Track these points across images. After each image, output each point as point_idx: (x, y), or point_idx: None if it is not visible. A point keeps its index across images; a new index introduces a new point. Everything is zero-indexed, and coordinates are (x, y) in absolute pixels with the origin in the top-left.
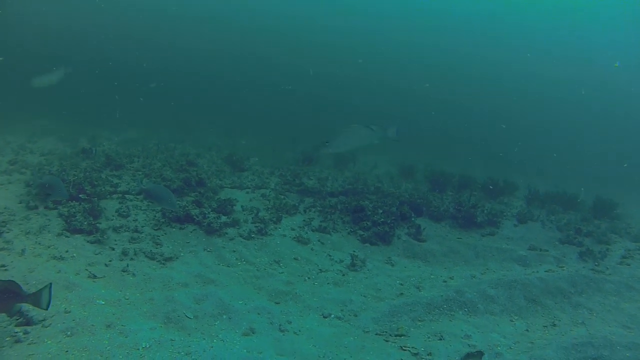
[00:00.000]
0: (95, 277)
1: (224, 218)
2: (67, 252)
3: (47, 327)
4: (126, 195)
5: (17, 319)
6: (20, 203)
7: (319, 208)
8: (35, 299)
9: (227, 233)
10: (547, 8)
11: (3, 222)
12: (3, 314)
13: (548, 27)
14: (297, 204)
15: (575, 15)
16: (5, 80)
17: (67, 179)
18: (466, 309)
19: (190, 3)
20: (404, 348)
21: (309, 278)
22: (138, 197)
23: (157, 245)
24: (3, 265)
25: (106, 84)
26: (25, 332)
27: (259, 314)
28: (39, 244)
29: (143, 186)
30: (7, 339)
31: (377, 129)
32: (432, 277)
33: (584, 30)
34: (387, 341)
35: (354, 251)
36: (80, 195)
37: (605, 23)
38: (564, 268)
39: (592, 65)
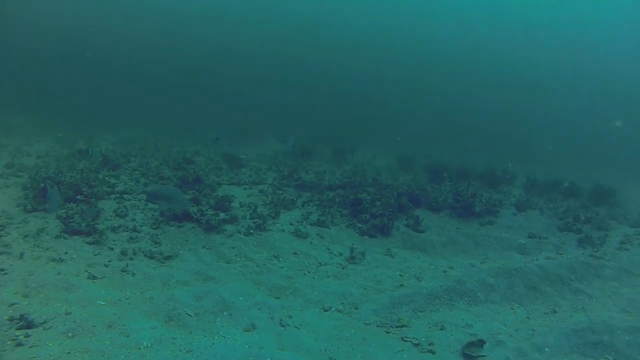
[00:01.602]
0: (95, 277)
1: (222, 215)
2: (66, 253)
3: (48, 329)
4: (124, 195)
5: (18, 322)
6: (18, 206)
7: (317, 202)
8: None
9: (225, 230)
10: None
11: (1, 225)
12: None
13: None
14: (295, 199)
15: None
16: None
17: (63, 181)
18: (467, 299)
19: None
20: (405, 339)
21: (308, 272)
22: (136, 197)
23: (156, 244)
24: (2, 269)
25: (104, 84)
26: (27, 335)
27: (259, 309)
28: (38, 246)
29: (146, 188)
30: (9, 342)
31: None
32: (431, 267)
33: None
34: (388, 332)
35: (353, 244)
36: (77, 197)
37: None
38: (563, 255)
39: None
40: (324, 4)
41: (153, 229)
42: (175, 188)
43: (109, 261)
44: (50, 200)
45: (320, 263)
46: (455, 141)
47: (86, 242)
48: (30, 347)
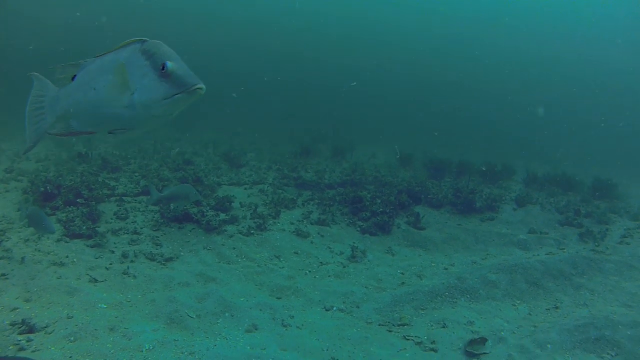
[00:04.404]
0: (96, 281)
1: (222, 215)
2: (67, 257)
3: (50, 333)
4: (124, 198)
5: (20, 327)
6: (19, 211)
7: (317, 201)
8: None
9: (226, 230)
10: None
11: (2, 230)
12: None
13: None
14: (295, 198)
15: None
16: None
17: (63, 184)
18: (468, 296)
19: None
20: (407, 337)
21: (309, 271)
22: (136, 198)
23: (157, 246)
24: (3, 274)
25: None
26: (29, 340)
27: (261, 310)
28: (39, 250)
29: (161, 193)
30: (11, 347)
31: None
32: (432, 265)
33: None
34: (390, 331)
35: (354, 242)
36: (77, 200)
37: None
38: (565, 250)
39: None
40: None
41: (154, 230)
42: (186, 185)
43: (110, 264)
44: (40, 225)
45: (321, 262)
46: (454, 135)
47: (87, 245)
48: (33, 351)
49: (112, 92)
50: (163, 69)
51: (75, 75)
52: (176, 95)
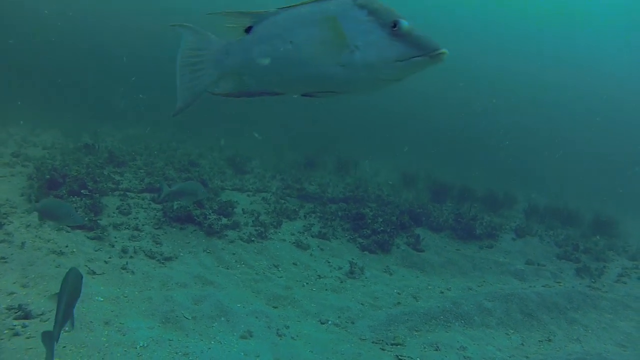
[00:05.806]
0: (94, 273)
1: (224, 220)
2: (66, 247)
3: (45, 321)
4: (127, 193)
5: (16, 312)
6: (22, 196)
7: (319, 214)
8: None
9: (227, 235)
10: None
11: (4, 214)
12: None
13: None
14: (297, 209)
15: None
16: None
17: (69, 174)
18: (462, 321)
19: None
20: (399, 357)
21: (307, 283)
22: (139, 195)
23: (157, 244)
24: (3, 258)
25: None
26: (24, 326)
27: (257, 317)
28: (39, 237)
29: (170, 188)
30: (6, 331)
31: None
32: (429, 287)
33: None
34: (383, 350)
35: (353, 258)
36: (82, 191)
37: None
38: (561, 283)
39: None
40: None
41: (155, 228)
42: (194, 181)
43: (110, 258)
44: (64, 217)
45: (319, 275)
46: (458, 157)
47: (87, 237)
48: (27, 337)
49: (323, 48)
50: (395, 26)
51: (250, 27)
52: (415, 58)
